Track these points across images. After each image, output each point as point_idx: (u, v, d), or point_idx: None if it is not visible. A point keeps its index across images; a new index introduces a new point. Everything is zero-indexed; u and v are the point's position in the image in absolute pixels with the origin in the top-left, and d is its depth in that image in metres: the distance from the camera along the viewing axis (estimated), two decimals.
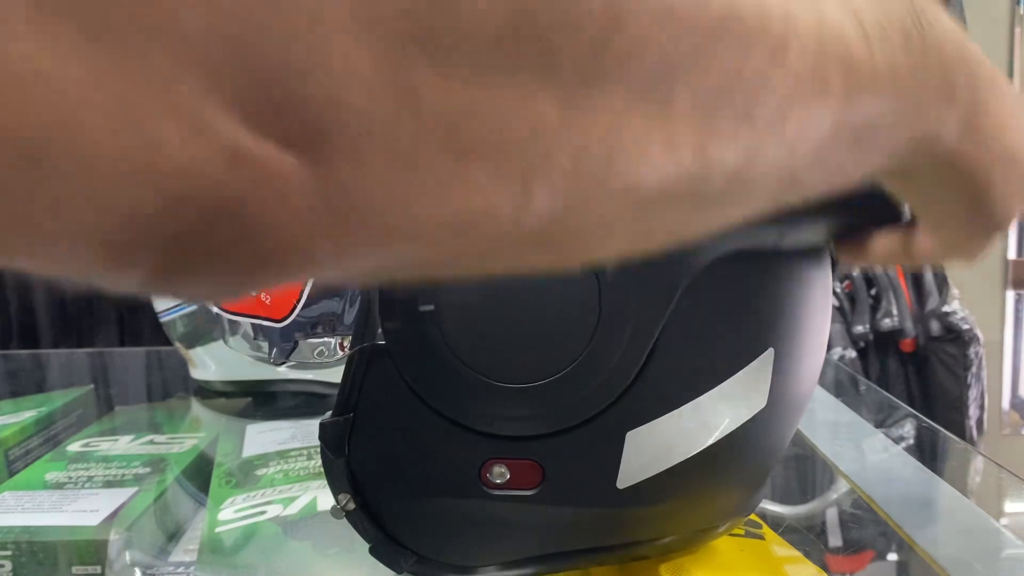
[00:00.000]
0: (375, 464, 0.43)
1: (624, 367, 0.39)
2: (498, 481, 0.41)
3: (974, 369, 2.19)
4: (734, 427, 0.42)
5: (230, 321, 0.87)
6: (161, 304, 0.91)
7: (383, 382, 0.41)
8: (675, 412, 0.41)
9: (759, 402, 0.42)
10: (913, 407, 0.93)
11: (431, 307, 0.39)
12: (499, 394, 0.39)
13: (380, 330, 0.40)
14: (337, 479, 0.43)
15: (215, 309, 0.45)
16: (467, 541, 0.44)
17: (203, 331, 0.89)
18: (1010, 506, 0.70)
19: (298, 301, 0.40)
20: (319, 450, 0.44)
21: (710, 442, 0.42)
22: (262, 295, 0.41)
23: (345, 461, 0.43)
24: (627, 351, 0.39)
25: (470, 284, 0.38)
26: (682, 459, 0.42)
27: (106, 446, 0.74)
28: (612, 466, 0.41)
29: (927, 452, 0.84)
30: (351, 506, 0.43)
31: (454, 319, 0.39)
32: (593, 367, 0.39)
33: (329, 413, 0.43)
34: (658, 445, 0.41)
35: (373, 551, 0.44)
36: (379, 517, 0.44)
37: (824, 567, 0.48)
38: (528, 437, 0.41)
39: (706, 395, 0.41)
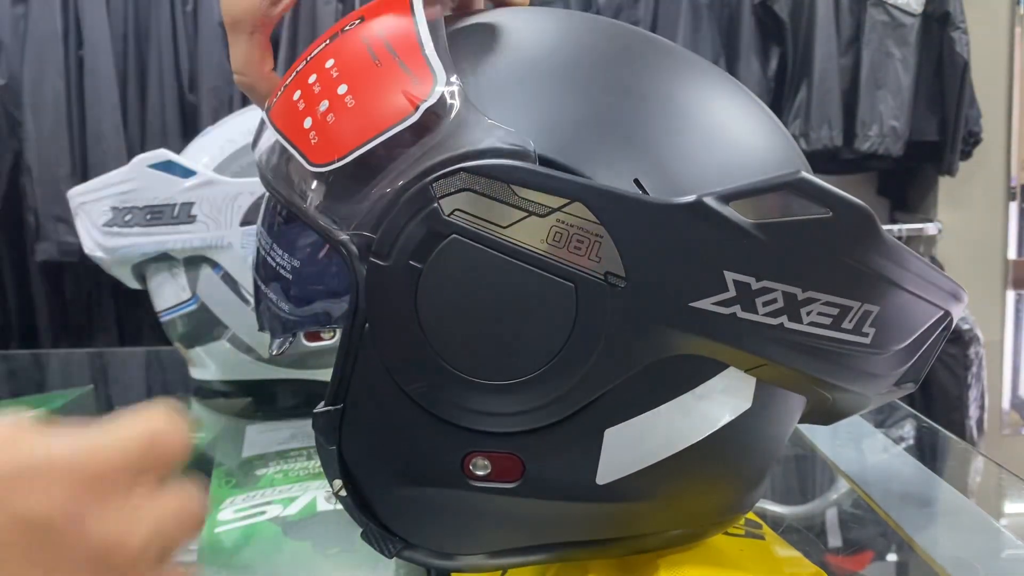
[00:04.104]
0: (364, 453, 0.44)
1: (601, 367, 0.39)
2: (480, 473, 0.42)
3: (974, 369, 2.19)
4: (715, 427, 0.42)
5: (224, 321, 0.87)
6: (161, 304, 0.91)
7: (370, 375, 0.42)
8: (654, 411, 0.41)
9: (742, 404, 0.42)
10: (913, 407, 0.93)
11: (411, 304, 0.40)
12: (477, 391, 0.40)
13: (367, 324, 0.40)
14: (330, 466, 0.44)
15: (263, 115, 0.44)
16: (452, 530, 0.45)
17: (203, 331, 0.89)
18: (1010, 506, 0.70)
19: (349, 153, 0.40)
20: (315, 450, 0.44)
21: (692, 441, 0.42)
22: (311, 133, 0.41)
23: (337, 449, 0.44)
24: (604, 352, 0.39)
25: (451, 283, 0.39)
26: (663, 456, 0.41)
27: None
28: (591, 462, 0.41)
29: (927, 452, 0.84)
30: (343, 492, 0.44)
31: (435, 316, 0.39)
32: (570, 367, 0.39)
33: (323, 403, 0.43)
34: (637, 442, 0.41)
35: (364, 536, 0.45)
36: (369, 504, 0.45)
37: (824, 567, 0.48)
38: (508, 432, 0.41)
39: (686, 395, 0.41)
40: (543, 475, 0.42)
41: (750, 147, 0.43)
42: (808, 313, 0.39)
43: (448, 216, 0.38)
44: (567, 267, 0.38)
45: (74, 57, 2.00)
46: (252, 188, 0.85)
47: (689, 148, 0.41)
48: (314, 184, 0.42)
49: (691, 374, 0.41)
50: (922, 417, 0.89)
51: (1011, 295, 2.44)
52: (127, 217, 0.86)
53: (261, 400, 0.92)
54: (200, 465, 0.71)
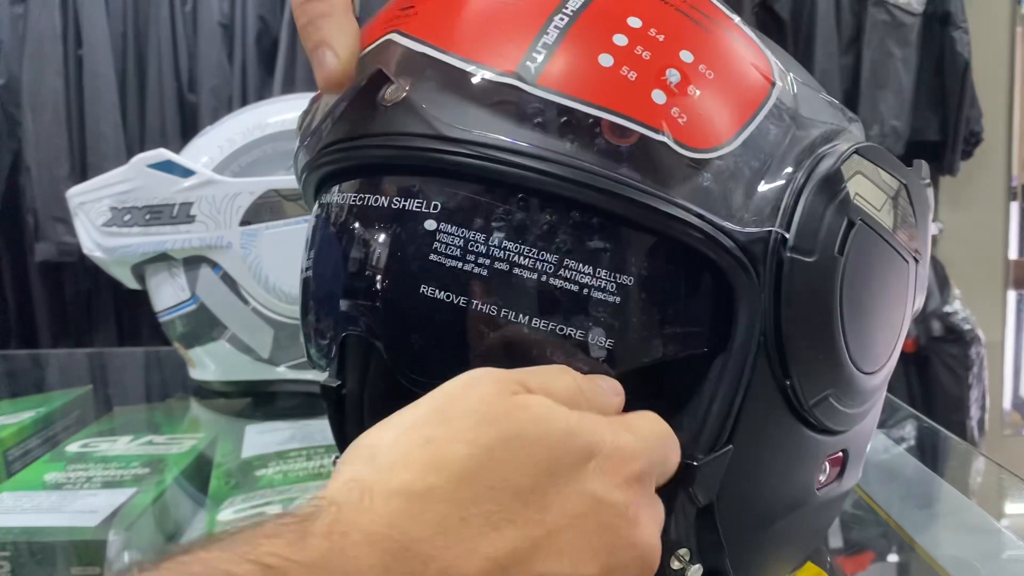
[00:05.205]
0: (735, 503, 0.36)
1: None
2: (823, 479, 0.40)
3: (975, 369, 2.19)
4: None
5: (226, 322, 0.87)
6: (160, 304, 0.91)
7: (763, 398, 0.35)
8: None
9: None
10: (914, 407, 0.93)
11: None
12: (862, 386, 0.38)
13: (763, 336, 0.34)
14: (686, 531, 0.35)
15: (555, 97, 0.33)
16: (776, 560, 0.41)
17: (202, 331, 0.89)
18: (1011, 507, 0.70)
19: (737, 135, 0.33)
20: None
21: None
22: (672, 110, 0.32)
23: (708, 506, 0.35)
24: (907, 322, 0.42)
25: (863, 272, 0.37)
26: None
27: (105, 447, 0.73)
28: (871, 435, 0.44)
29: (928, 452, 0.84)
30: (693, 572, 0.35)
31: (851, 309, 0.36)
32: (902, 341, 0.41)
33: (696, 449, 0.34)
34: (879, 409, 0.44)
35: None
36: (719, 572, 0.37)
37: (825, 567, 0.48)
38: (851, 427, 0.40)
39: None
40: (852, 462, 0.42)
41: None
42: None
43: (855, 201, 0.36)
44: (907, 247, 0.40)
45: (73, 57, 2.00)
46: (252, 188, 0.85)
47: None
48: (685, 173, 0.32)
49: None
50: (923, 417, 0.89)
51: (1012, 295, 2.44)
52: (126, 217, 0.86)
53: (261, 400, 0.92)
54: (200, 465, 0.71)
